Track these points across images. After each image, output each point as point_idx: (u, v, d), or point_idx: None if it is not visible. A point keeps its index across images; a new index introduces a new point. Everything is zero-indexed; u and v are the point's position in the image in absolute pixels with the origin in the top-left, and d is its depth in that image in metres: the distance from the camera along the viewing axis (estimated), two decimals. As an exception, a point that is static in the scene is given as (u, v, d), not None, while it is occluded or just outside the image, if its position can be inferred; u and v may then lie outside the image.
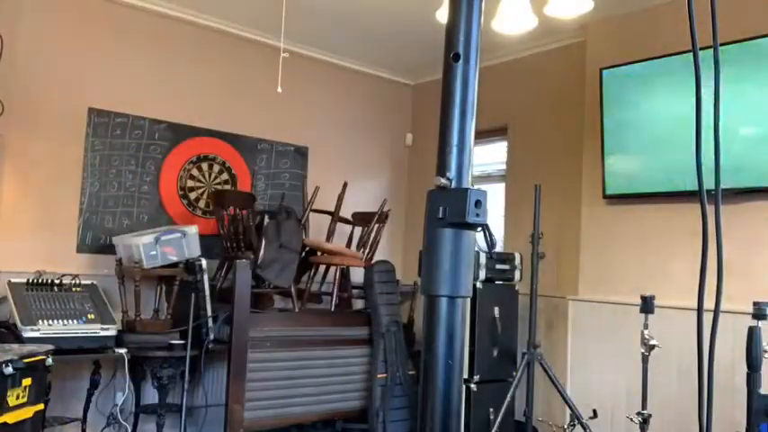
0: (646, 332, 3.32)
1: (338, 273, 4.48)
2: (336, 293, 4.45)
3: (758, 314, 2.75)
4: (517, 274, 4.38)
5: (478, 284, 4.15)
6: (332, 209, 4.75)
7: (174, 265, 3.99)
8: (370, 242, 4.62)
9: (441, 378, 0.90)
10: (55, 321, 3.47)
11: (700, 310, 1.00)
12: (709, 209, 0.98)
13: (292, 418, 4.02)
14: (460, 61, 0.93)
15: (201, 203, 4.80)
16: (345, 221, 4.89)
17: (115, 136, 4.39)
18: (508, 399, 3.76)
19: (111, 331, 3.62)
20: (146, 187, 4.53)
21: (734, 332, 3.01)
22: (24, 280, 3.63)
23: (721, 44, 1.02)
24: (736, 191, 3.46)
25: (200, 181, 4.80)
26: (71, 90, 4.23)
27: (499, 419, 3.74)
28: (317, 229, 4.90)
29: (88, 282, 3.84)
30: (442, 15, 3.29)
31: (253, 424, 3.77)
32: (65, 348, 3.34)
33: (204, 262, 3.82)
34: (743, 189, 3.44)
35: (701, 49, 0.97)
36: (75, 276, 3.78)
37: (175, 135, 4.67)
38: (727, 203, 3.44)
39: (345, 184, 4.79)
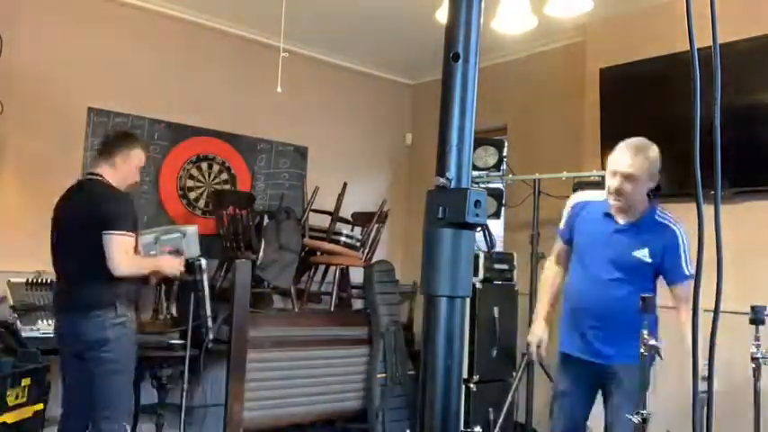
0: (645, 332, 3.30)
1: (338, 273, 4.48)
2: (336, 293, 4.45)
3: (755, 318, 2.75)
4: (516, 274, 4.38)
5: (478, 284, 4.15)
6: (332, 209, 4.75)
7: (174, 264, 3.99)
8: (369, 242, 4.62)
9: (440, 378, 0.90)
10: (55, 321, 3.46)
11: (696, 309, 1.00)
12: (710, 209, 0.97)
13: (292, 418, 4.01)
14: (460, 61, 0.93)
15: (201, 203, 4.80)
16: (345, 221, 4.89)
17: (115, 136, 4.39)
18: (509, 400, 3.75)
19: (111, 331, 3.60)
20: (145, 187, 4.52)
21: (732, 332, 3.01)
22: (24, 280, 3.62)
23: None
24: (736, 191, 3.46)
25: (199, 181, 4.80)
26: (71, 90, 4.22)
27: (501, 420, 3.74)
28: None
29: (88, 282, 3.83)
30: (442, 15, 3.28)
31: (252, 424, 3.77)
32: (64, 348, 3.32)
33: (204, 262, 3.81)
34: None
35: (699, 49, 0.97)
36: (75, 276, 3.77)
37: (175, 135, 4.67)
38: (727, 203, 3.44)
39: (345, 185, 4.79)
